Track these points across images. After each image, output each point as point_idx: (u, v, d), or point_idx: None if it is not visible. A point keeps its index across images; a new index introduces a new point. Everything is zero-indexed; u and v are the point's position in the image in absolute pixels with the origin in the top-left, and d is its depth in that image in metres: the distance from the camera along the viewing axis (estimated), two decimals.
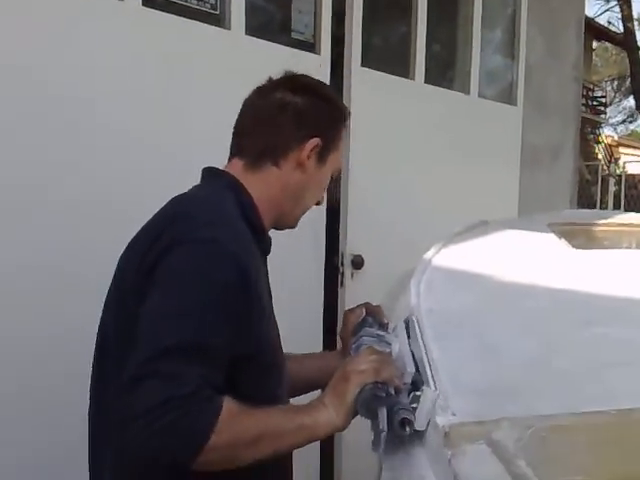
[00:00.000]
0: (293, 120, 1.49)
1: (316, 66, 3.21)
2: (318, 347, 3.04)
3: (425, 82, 3.89)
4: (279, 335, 1.51)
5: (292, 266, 3.01)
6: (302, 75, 1.59)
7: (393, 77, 3.72)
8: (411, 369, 1.28)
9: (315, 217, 3.24)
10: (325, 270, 3.29)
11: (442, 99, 4.03)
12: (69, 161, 2.38)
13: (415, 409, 1.15)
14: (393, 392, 1.22)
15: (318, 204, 1.62)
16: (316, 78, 1.66)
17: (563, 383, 1.20)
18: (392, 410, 1.17)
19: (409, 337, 1.42)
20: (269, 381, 1.41)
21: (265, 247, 1.52)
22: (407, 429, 1.14)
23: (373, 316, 1.59)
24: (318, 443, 3.09)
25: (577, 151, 5.26)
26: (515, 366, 1.28)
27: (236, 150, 1.53)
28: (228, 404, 1.20)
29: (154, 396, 1.15)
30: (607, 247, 2.41)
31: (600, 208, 12.48)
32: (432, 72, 3.94)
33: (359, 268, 3.39)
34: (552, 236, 2.24)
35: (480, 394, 1.18)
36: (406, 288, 1.68)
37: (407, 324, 1.47)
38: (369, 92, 3.48)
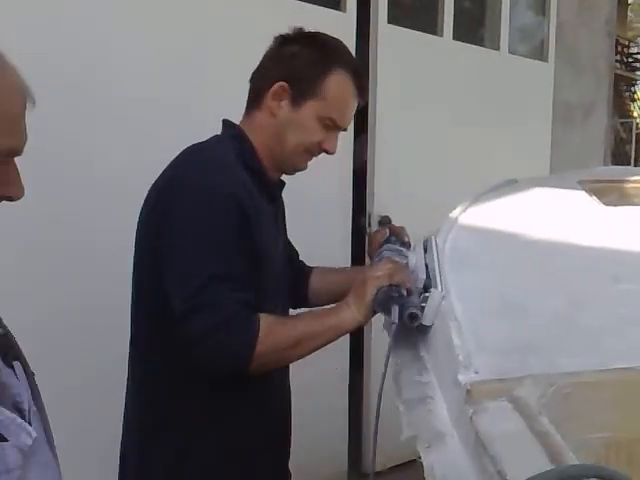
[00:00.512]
0: (271, 65, 1.59)
1: (341, 24, 3.16)
2: None
3: (453, 39, 3.81)
4: (279, 274, 1.67)
5: (318, 227, 3.00)
6: (311, 32, 1.63)
7: (420, 34, 3.66)
8: (423, 276, 1.48)
9: (342, 177, 3.22)
10: (352, 231, 3.28)
11: (471, 56, 3.95)
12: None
13: (424, 307, 1.33)
14: (405, 293, 1.39)
15: (328, 152, 1.64)
16: (338, 37, 1.66)
17: (589, 340, 1.18)
18: (403, 307, 1.34)
19: (425, 252, 1.60)
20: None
21: (270, 191, 1.63)
22: (414, 322, 1.31)
23: (396, 235, 1.79)
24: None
25: (610, 108, 5.14)
26: (540, 323, 1.25)
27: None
28: (264, 318, 1.42)
29: (202, 325, 1.37)
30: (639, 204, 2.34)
31: (635, 166, 12.24)
32: (461, 28, 3.86)
33: None
34: (582, 193, 2.18)
35: (503, 352, 1.16)
36: (431, 248, 1.66)
37: (425, 243, 1.64)
38: (396, 50, 3.43)
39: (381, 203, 3.41)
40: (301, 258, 1.96)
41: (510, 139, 4.12)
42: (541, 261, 1.61)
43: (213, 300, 1.37)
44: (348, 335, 3.14)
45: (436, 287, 1.38)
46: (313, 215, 2.95)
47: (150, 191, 1.56)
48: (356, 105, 1.63)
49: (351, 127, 3.24)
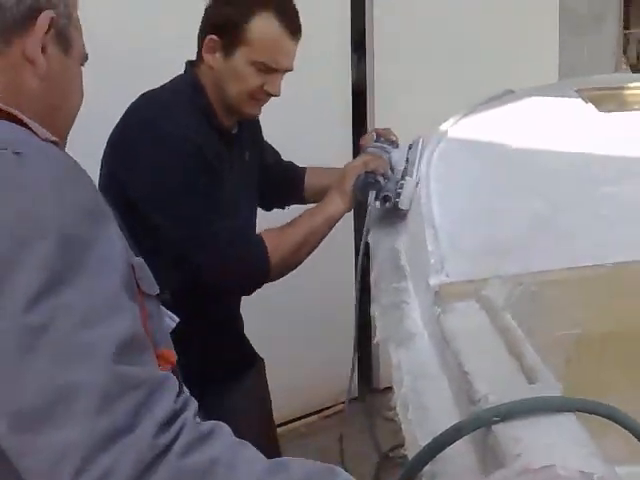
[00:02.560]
0: (203, 20, 1.64)
1: None
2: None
3: None
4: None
5: (319, 146, 2.99)
6: None
7: None
8: (401, 167, 1.64)
9: (341, 99, 3.19)
10: (353, 150, 3.25)
11: None
12: None
13: (400, 193, 1.52)
14: (382, 180, 1.59)
15: (271, 95, 1.65)
16: None
17: (563, 242, 1.18)
18: (379, 191, 1.56)
19: (409, 149, 1.72)
20: None
21: (225, 137, 1.67)
22: (387, 204, 1.54)
23: (384, 136, 1.87)
24: None
25: (621, 18, 4.99)
26: (517, 227, 1.26)
27: None
28: (266, 233, 1.59)
29: (215, 254, 1.53)
30: (637, 110, 2.30)
31: None
32: None
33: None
34: (579, 101, 2.15)
35: (477, 255, 1.17)
36: (416, 145, 1.72)
37: (411, 144, 1.74)
38: None
39: (382, 123, 3.36)
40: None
41: (517, 49, 4.02)
42: (527, 167, 1.60)
43: (220, 227, 1.52)
44: (352, 258, 3.21)
45: (411, 176, 1.55)
46: (312, 137, 2.93)
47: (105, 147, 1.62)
48: (293, 43, 1.61)
49: (348, 42, 3.20)
